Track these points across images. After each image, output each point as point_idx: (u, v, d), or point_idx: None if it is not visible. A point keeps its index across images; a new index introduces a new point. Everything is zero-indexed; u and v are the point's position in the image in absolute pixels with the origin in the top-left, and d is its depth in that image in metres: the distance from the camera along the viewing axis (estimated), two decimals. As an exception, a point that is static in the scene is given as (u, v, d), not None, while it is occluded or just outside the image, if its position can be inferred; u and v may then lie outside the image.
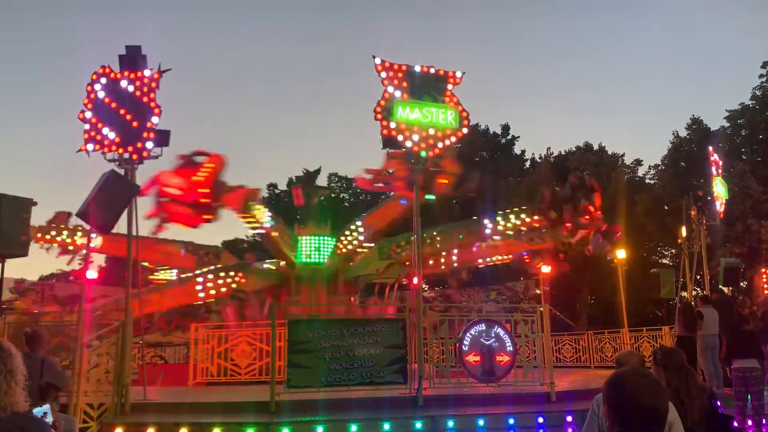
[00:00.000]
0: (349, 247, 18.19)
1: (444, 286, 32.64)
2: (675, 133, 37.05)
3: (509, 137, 43.52)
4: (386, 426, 8.80)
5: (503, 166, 41.29)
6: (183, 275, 17.52)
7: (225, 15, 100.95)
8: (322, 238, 17.78)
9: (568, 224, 16.12)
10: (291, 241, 17.81)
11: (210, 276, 16.40)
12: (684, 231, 15.90)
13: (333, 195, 41.43)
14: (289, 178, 42.78)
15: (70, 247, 17.18)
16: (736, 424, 9.08)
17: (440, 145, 11.54)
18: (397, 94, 11.32)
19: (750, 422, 9.60)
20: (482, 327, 11.14)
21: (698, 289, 22.60)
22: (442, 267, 19.05)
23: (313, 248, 17.52)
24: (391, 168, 15.30)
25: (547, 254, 16.96)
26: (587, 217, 16.08)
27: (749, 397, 9.71)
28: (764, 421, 9.79)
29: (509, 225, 17.60)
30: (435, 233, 17.95)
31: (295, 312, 13.04)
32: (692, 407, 3.80)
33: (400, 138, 11.26)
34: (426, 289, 32.05)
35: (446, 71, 11.72)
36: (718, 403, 10.07)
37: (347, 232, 18.41)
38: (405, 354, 10.37)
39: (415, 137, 11.28)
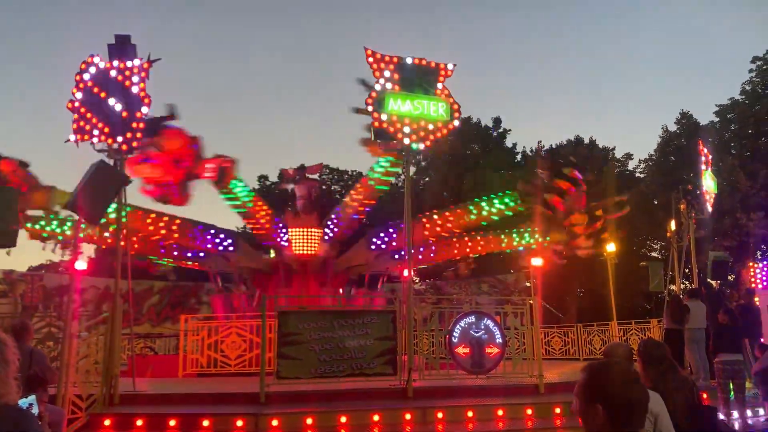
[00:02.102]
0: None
1: (435, 278, 32.71)
2: (665, 127, 37.24)
3: (501, 130, 43.52)
4: (376, 417, 8.84)
5: (494, 159, 41.31)
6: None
7: (217, 6, 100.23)
8: (312, 230, 17.75)
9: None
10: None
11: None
12: (673, 225, 15.98)
13: (324, 187, 41.32)
14: (281, 169, 42.48)
15: (59, 237, 16.95)
16: (721, 416, 9.19)
17: (431, 137, 11.54)
18: (389, 86, 11.30)
19: (735, 414, 9.71)
20: (472, 319, 11.18)
21: (686, 282, 22.77)
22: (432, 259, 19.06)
23: (304, 240, 17.49)
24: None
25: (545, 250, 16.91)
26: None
27: (732, 389, 9.83)
28: (749, 413, 9.91)
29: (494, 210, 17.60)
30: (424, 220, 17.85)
31: (285, 303, 12.99)
32: (672, 400, 3.83)
33: (391, 130, 11.26)
34: (417, 281, 32.12)
35: (437, 63, 11.71)
36: (705, 395, 10.22)
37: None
38: (395, 345, 10.39)
39: (407, 129, 11.28)
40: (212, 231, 16.85)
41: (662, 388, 3.88)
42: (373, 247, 17.69)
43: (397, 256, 17.74)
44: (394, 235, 17.52)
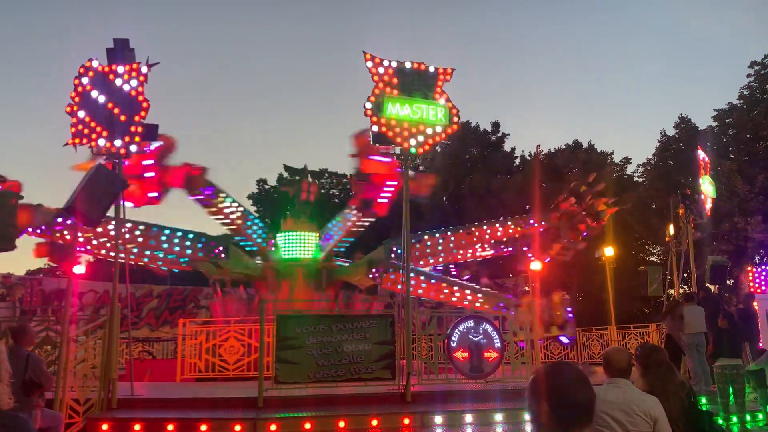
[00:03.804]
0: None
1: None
2: (663, 131, 37.31)
3: (499, 134, 43.54)
4: (374, 422, 8.81)
5: (493, 164, 41.35)
6: None
7: (214, 9, 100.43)
8: (311, 234, 17.76)
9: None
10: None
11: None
12: (671, 229, 16.01)
13: (323, 191, 41.30)
14: (279, 173, 42.44)
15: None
16: (721, 421, 9.17)
17: (430, 141, 11.55)
18: (388, 90, 11.31)
19: (735, 419, 9.69)
20: (471, 323, 11.18)
21: (685, 286, 22.79)
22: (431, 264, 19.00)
23: (301, 244, 17.47)
24: None
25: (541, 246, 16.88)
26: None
27: (731, 394, 9.81)
28: (748, 417, 9.90)
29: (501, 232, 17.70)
30: (426, 238, 17.89)
31: (283, 308, 12.96)
32: (669, 404, 3.83)
33: (390, 134, 11.26)
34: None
35: (436, 68, 11.72)
36: (704, 400, 10.20)
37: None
38: (393, 350, 10.38)
39: (405, 133, 11.29)
40: (191, 236, 16.78)
41: (660, 392, 3.88)
42: (370, 276, 17.47)
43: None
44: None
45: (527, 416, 7.68)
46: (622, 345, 17.40)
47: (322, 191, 40.27)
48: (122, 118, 10.47)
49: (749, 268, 18.44)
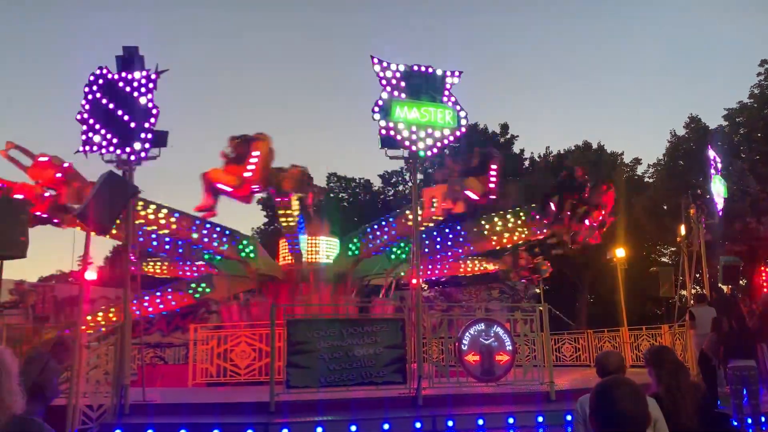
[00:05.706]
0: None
1: (443, 286, 32.63)
2: (673, 131, 37.18)
3: (508, 136, 43.53)
4: (386, 426, 8.81)
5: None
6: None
7: (222, 14, 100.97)
8: (321, 238, 17.76)
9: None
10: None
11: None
12: (683, 229, 15.90)
13: (332, 195, 41.40)
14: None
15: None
16: (736, 423, 9.08)
17: (438, 144, 11.56)
18: (395, 93, 11.33)
19: (749, 420, 9.60)
20: (481, 326, 11.13)
21: (697, 287, 22.64)
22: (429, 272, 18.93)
23: (313, 249, 17.49)
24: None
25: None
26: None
27: (745, 396, 9.71)
28: (763, 419, 9.80)
29: (508, 225, 17.39)
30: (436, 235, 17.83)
31: (295, 312, 12.97)
32: (685, 403, 3.81)
33: (398, 138, 11.28)
34: (425, 288, 32.02)
35: (444, 71, 11.73)
36: (719, 402, 10.09)
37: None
38: (404, 354, 10.37)
39: (414, 137, 11.29)
40: (218, 229, 16.52)
41: (676, 390, 3.85)
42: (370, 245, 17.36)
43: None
44: (378, 232, 17.30)
45: (539, 419, 7.67)
46: (635, 347, 17.30)
47: (331, 195, 40.34)
48: (132, 125, 10.55)
49: (762, 268, 18.30)
